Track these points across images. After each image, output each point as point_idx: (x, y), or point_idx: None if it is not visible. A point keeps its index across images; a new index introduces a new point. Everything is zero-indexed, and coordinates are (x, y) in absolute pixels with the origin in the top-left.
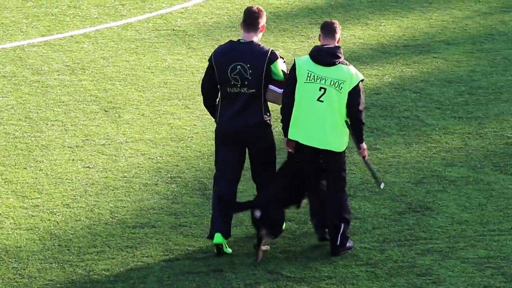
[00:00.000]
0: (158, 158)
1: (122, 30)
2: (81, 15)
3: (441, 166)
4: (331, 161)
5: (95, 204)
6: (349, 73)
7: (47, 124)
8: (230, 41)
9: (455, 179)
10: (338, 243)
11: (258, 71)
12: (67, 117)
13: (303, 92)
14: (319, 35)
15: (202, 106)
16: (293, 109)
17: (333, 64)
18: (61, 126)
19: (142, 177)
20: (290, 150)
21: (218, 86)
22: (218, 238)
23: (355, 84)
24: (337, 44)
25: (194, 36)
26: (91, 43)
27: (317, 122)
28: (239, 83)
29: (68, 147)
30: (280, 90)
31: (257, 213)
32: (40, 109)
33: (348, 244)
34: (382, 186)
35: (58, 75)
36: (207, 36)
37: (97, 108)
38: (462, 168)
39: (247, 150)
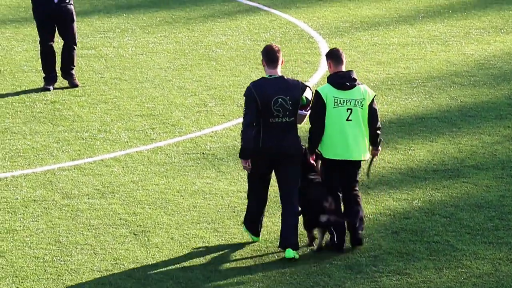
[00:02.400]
0: (187, 282)
1: (152, 154)
2: (111, 139)
3: None
4: (357, 169)
5: None
6: (366, 91)
7: (77, 248)
8: (263, 77)
9: None
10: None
11: (296, 101)
12: (96, 241)
13: (333, 117)
14: (329, 63)
15: (232, 230)
16: (325, 132)
17: (353, 86)
18: (91, 250)
19: None
20: (314, 166)
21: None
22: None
23: (371, 99)
24: (348, 69)
25: (223, 160)
26: (121, 167)
27: (350, 139)
28: (281, 113)
29: (98, 271)
30: (304, 113)
31: (324, 218)
32: (70, 233)
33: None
34: (369, 177)
35: (88, 198)
36: (236, 160)
37: (126, 232)
38: None
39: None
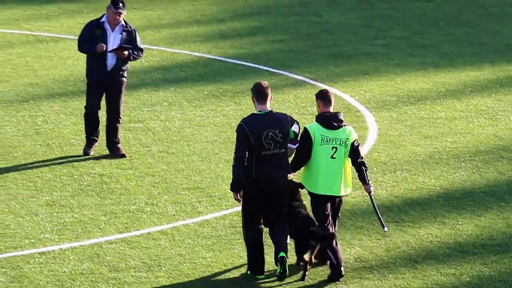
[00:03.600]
0: None
1: (199, 227)
2: (158, 212)
3: None
4: (340, 203)
5: None
6: (350, 131)
7: None
8: (253, 114)
9: None
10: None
11: (286, 134)
12: None
13: (320, 153)
14: (318, 103)
15: None
16: (310, 167)
17: (340, 127)
18: None
19: None
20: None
21: (250, 152)
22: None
23: (354, 139)
24: (336, 111)
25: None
26: (168, 240)
27: (333, 175)
28: (272, 146)
29: None
30: (292, 146)
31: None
32: None
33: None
34: (385, 229)
35: (135, 272)
36: None
37: None
38: None
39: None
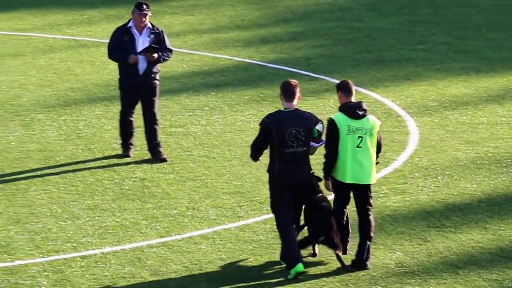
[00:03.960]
0: None
1: (240, 231)
2: (199, 216)
3: None
4: (368, 192)
5: None
6: (374, 120)
7: None
8: (279, 110)
9: None
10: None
11: (309, 132)
12: None
13: (346, 143)
14: (339, 94)
15: None
16: (338, 158)
17: (364, 116)
18: None
19: None
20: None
21: (274, 148)
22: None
23: (379, 128)
24: (358, 100)
25: None
26: (209, 244)
27: (360, 165)
28: (295, 144)
29: None
30: (315, 145)
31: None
32: None
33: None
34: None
35: (176, 276)
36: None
37: None
38: None
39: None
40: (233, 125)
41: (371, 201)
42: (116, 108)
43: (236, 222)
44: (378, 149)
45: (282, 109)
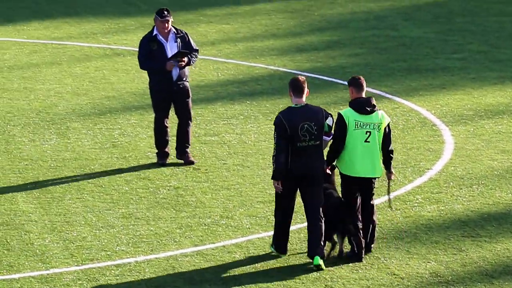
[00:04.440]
0: None
1: None
2: (233, 225)
3: None
4: (373, 184)
5: None
6: (383, 116)
7: None
8: (289, 106)
9: None
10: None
11: (320, 126)
12: None
13: (354, 138)
14: (351, 89)
15: None
16: (344, 151)
17: (373, 112)
18: None
19: None
20: (330, 176)
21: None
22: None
23: (387, 124)
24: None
25: (343, 246)
26: (243, 253)
27: (367, 159)
28: (308, 138)
29: None
30: (327, 139)
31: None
32: None
33: None
34: (393, 209)
35: (210, 285)
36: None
37: None
38: None
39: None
40: (267, 134)
41: (374, 191)
42: (151, 116)
43: (270, 231)
44: (388, 143)
45: (291, 105)
